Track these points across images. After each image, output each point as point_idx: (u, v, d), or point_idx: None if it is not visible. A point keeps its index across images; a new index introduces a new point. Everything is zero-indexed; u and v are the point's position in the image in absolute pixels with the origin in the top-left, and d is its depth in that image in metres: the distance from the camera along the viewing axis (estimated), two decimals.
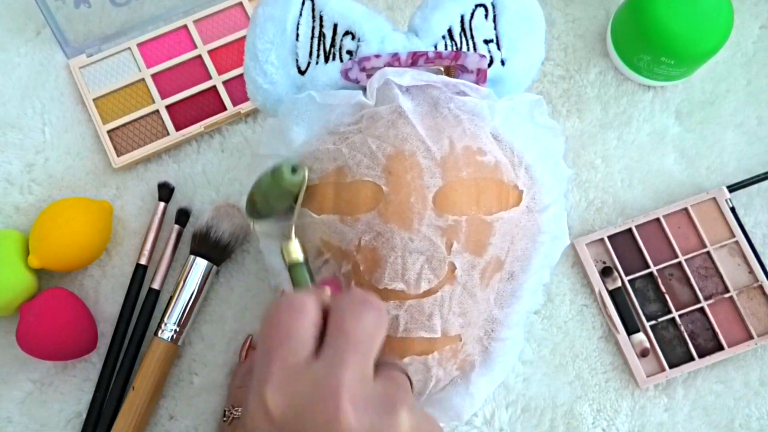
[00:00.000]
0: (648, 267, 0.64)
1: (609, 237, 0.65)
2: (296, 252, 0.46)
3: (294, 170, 0.48)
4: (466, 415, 0.55)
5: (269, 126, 0.53)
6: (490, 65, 0.52)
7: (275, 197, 0.49)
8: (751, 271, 0.64)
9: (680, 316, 0.63)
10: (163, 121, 0.66)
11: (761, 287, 0.63)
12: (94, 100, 0.66)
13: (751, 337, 0.63)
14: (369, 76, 0.50)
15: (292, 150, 0.52)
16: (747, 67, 0.70)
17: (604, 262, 0.64)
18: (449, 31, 0.52)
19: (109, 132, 0.66)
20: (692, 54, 0.63)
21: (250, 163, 0.65)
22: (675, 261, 0.64)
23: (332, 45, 0.52)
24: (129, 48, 0.68)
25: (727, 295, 0.63)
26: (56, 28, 0.65)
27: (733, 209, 0.65)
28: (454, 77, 0.51)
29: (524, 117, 0.52)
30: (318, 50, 0.52)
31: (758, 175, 0.66)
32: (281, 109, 0.52)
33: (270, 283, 0.58)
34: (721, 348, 0.62)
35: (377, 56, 0.50)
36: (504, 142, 0.51)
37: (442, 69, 0.53)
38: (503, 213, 0.50)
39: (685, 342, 0.63)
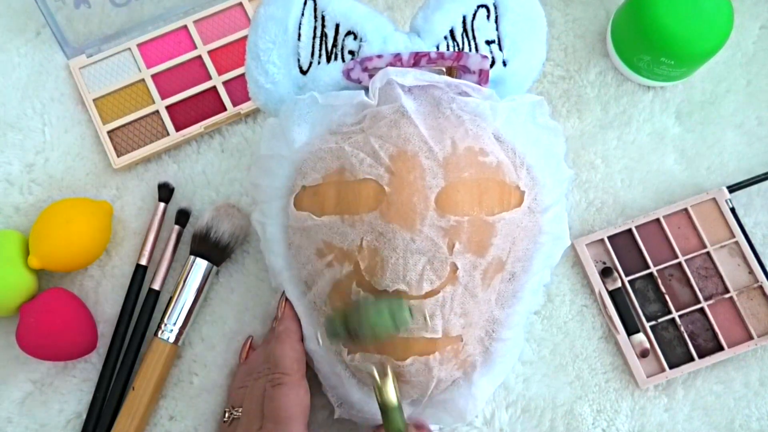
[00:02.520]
0: (648, 267, 0.64)
1: (609, 237, 0.65)
2: (391, 394, 0.47)
3: (411, 313, 0.48)
4: (470, 416, 0.55)
5: (270, 126, 0.53)
6: (492, 66, 0.52)
7: (382, 330, 0.47)
8: (751, 272, 0.64)
9: (680, 316, 0.63)
10: (163, 122, 0.66)
11: (761, 287, 0.64)
12: (94, 100, 0.66)
13: (751, 338, 0.63)
14: (371, 77, 0.50)
15: (294, 150, 0.52)
16: (747, 67, 0.70)
17: (604, 263, 0.64)
18: (451, 31, 0.52)
19: (109, 132, 0.66)
20: (692, 54, 0.63)
21: (250, 163, 0.65)
22: (675, 261, 0.64)
23: (334, 45, 0.52)
24: (129, 48, 0.68)
25: (727, 296, 0.63)
26: (56, 28, 0.65)
27: (733, 209, 0.65)
28: (456, 78, 0.51)
29: (526, 118, 0.52)
30: (320, 50, 0.52)
31: (758, 176, 0.66)
32: (282, 110, 0.52)
33: (270, 283, 0.58)
34: (721, 348, 0.62)
35: (379, 56, 0.50)
36: (506, 142, 0.51)
37: (444, 69, 0.53)
38: (505, 214, 0.50)
39: (685, 342, 0.63)
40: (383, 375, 0.46)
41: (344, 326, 0.48)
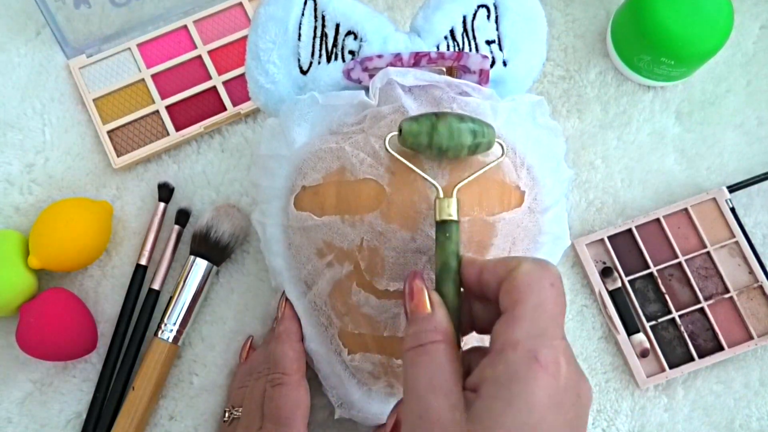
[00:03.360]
0: (648, 267, 0.64)
1: (609, 237, 0.65)
2: (453, 209, 0.43)
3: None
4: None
5: (270, 126, 0.53)
6: (492, 66, 0.52)
7: (462, 147, 0.46)
8: (751, 272, 0.64)
9: (680, 316, 0.63)
10: (163, 122, 0.66)
11: (761, 287, 0.64)
12: (94, 100, 0.66)
13: (751, 338, 0.63)
14: (371, 77, 0.50)
15: (294, 150, 0.52)
16: (747, 67, 0.70)
17: (604, 263, 0.64)
18: (451, 31, 0.52)
19: (109, 132, 0.66)
20: (692, 54, 0.63)
21: (250, 163, 0.65)
22: (675, 261, 0.64)
23: (334, 45, 0.52)
24: (129, 48, 0.68)
25: (727, 296, 0.63)
26: (56, 28, 0.65)
27: (733, 209, 0.65)
28: (456, 78, 0.51)
29: (526, 118, 0.52)
30: (320, 50, 0.52)
31: (758, 176, 0.66)
32: (282, 110, 0.52)
33: (270, 283, 0.58)
34: (721, 348, 0.62)
35: (379, 56, 0.50)
36: (506, 142, 0.51)
37: (444, 69, 0.53)
38: (505, 214, 0.50)
39: (685, 342, 0.63)
40: (448, 196, 0.43)
41: (429, 136, 0.45)
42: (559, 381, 0.35)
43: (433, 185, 0.45)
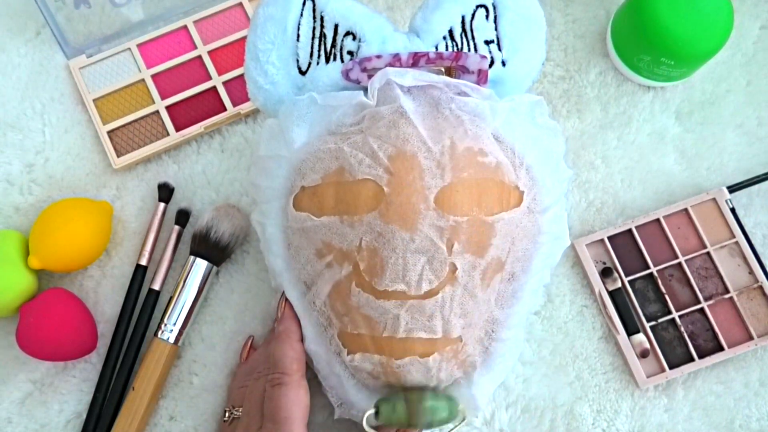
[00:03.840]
0: (648, 267, 0.64)
1: (609, 237, 0.65)
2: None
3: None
4: (470, 416, 0.55)
5: (269, 127, 0.53)
6: (491, 66, 0.52)
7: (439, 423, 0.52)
8: (751, 272, 0.64)
9: (680, 316, 0.63)
10: (163, 122, 0.66)
11: (761, 288, 0.63)
12: (94, 100, 0.66)
13: (751, 338, 0.63)
14: (370, 77, 0.50)
15: (293, 150, 0.52)
16: (747, 68, 0.70)
17: (604, 263, 0.64)
18: (450, 31, 0.52)
19: (109, 132, 0.66)
20: (692, 54, 0.63)
21: (250, 163, 0.65)
22: (675, 261, 0.64)
23: (333, 45, 0.52)
24: (129, 48, 0.68)
25: (727, 296, 0.63)
26: (56, 28, 0.65)
27: (733, 210, 0.65)
28: (455, 78, 0.51)
29: (525, 118, 0.52)
30: (319, 51, 0.52)
31: (758, 176, 0.66)
32: (281, 110, 0.52)
33: (270, 283, 0.58)
34: (721, 349, 0.62)
35: (378, 57, 0.50)
36: (505, 142, 0.51)
37: (443, 70, 0.53)
38: (504, 214, 0.50)
39: (685, 342, 0.63)
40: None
41: (405, 414, 0.51)
42: None
43: None
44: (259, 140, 0.54)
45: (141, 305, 0.62)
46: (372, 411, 0.51)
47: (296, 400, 0.51)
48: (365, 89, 0.51)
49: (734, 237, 0.64)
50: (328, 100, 0.51)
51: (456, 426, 0.52)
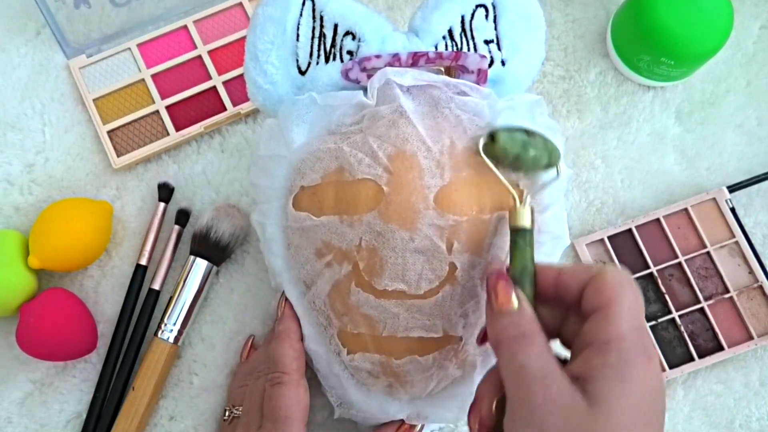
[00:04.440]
0: (648, 267, 0.64)
1: (609, 237, 0.65)
2: (526, 219, 0.46)
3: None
4: (465, 415, 0.55)
5: (268, 127, 0.53)
6: (490, 66, 0.52)
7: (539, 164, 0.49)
8: (751, 272, 0.64)
9: (680, 316, 0.63)
10: (163, 122, 0.66)
11: (761, 287, 0.63)
12: (94, 100, 0.66)
13: (751, 338, 0.63)
14: (369, 77, 0.50)
15: (293, 150, 0.52)
16: (747, 67, 0.70)
17: (604, 263, 0.64)
18: (450, 31, 0.52)
19: (109, 132, 0.66)
20: (692, 54, 0.63)
21: (250, 163, 0.65)
22: (675, 261, 0.64)
23: (333, 45, 0.52)
24: (129, 48, 0.68)
25: (727, 296, 0.63)
26: (56, 28, 0.65)
27: (733, 209, 0.65)
28: (454, 78, 0.51)
29: (524, 117, 0.52)
30: (318, 50, 0.52)
31: (758, 176, 0.66)
32: (281, 110, 0.52)
33: (270, 283, 0.58)
34: (721, 348, 0.62)
35: (378, 56, 0.50)
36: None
37: (442, 69, 0.53)
38: (503, 213, 0.50)
39: (685, 342, 0.63)
40: (522, 202, 0.46)
41: (523, 148, 0.48)
42: (659, 372, 0.39)
43: (512, 193, 0.47)
44: (259, 140, 0.54)
45: (141, 305, 0.62)
46: (484, 140, 0.49)
47: (296, 400, 0.51)
48: (365, 89, 0.51)
49: (734, 237, 0.64)
50: (328, 99, 0.51)
51: (551, 179, 0.50)
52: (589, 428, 0.37)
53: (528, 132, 0.49)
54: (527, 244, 0.45)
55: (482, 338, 0.48)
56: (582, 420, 0.37)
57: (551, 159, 0.49)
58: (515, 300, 0.42)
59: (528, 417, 0.38)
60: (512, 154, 0.48)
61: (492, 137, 0.48)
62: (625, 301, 0.40)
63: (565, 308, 0.43)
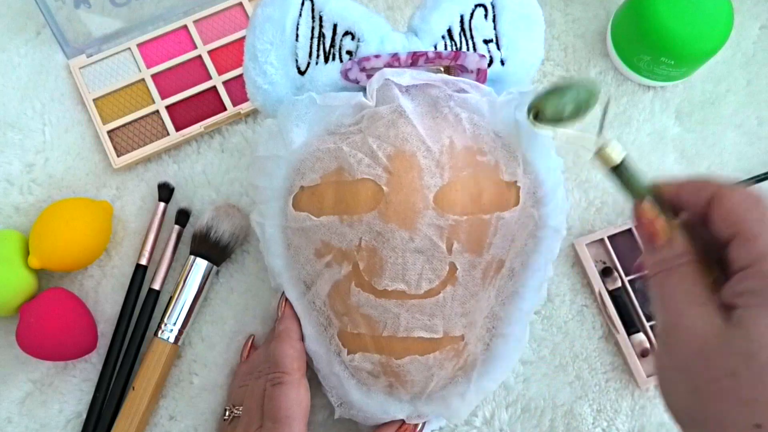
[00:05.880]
0: None
1: (609, 237, 0.65)
2: (618, 152, 0.43)
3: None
4: (465, 414, 0.55)
5: (267, 127, 0.53)
6: (489, 65, 0.52)
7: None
8: None
9: None
10: (163, 122, 0.66)
11: None
12: (94, 100, 0.66)
13: None
14: (369, 76, 0.50)
15: (292, 150, 0.52)
16: (747, 67, 0.70)
17: (604, 263, 0.64)
18: (449, 31, 0.52)
19: (109, 132, 0.66)
20: (692, 54, 0.63)
21: (249, 163, 0.65)
22: None
23: (332, 45, 0.52)
24: (129, 48, 0.68)
25: None
26: (56, 28, 0.65)
27: None
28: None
29: (520, 110, 0.52)
30: (318, 50, 0.52)
31: (758, 176, 0.66)
32: (280, 111, 0.52)
33: (270, 283, 0.58)
34: None
35: (377, 56, 0.50)
36: (504, 139, 0.51)
37: (441, 69, 0.53)
38: (503, 212, 0.50)
39: None
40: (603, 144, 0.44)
41: (577, 105, 0.47)
42: None
43: (592, 140, 0.45)
44: (258, 141, 0.54)
45: (141, 305, 0.62)
46: (526, 114, 0.48)
47: (297, 399, 0.51)
48: (364, 89, 0.51)
49: None
50: (327, 100, 0.51)
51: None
52: (726, 348, 0.37)
53: (559, 88, 0.47)
54: (632, 173, 0.43)
55: (638, 267, 0.47)
56: (719, 341, 0.37)
57: (592, 96, 0.47)
58: (662, 233, 0.41)
59: (671, 344, 0.39)
60: (566, 115, 0.47)
61: (536, 113, 0.47)
62: (754, 221, 0.39)
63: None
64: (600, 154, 0.44)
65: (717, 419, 0.37)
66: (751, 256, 0.38)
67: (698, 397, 0.38)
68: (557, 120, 0.47)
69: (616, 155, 0.43)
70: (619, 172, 0.43)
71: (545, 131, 0.48)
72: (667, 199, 0.42)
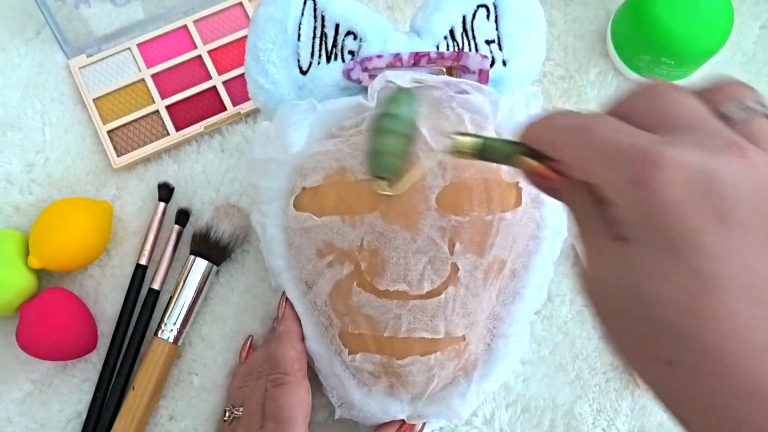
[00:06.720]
0: None
1: None
2: (470, 140, 0.37)
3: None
4: (465, 414, 0.55)
5: (264, 130, 0.53)
6: (491, 66, 0.52)
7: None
8: None
9: None
10: (163, 121, 0.66)
11: None
12: (94, 100, 0.66)
13: None
14: (371, 77, 0.50)
15: (291, 154, 0.51)
16: (747, 67, 0.70)
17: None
18: (451, 31, 0.52)
19: (109, 132, 0.66)
20: (692, 54, 0.63)
21: (246, 165, 0.65)
22: None
23: (334, 45, 0.52)
24: (129, 48, 0.68)
25: None
26: (56, 28, 0.65)
27: None
28: (455, 78, 0.51)
29: (522, 111, 0.52)
30: (320, 50, 0.52)
31: None
32: (277, 115, 0.52)
33: (270, 283, 0.58)
34: None
35: (379, 56, 0.50)
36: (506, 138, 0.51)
37: (443, 70, 0.53)
38: (505, 213, 0.50)
39: None
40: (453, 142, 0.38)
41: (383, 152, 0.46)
42: None
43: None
44: (254, 143, 0.54)
45: (141, 305, 0.62)
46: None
47: (298, 400, 0.51)
48: (366, 89, 0.51)
49: None
50: (328, 106, 0.51)
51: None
52: None
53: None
54: (495, 148, 0.37)
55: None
56: None
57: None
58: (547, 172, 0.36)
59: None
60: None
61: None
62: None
63: None
64: (458, 153, 0.38)
65: None
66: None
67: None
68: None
69: (469, 147, 0.38)
70: (484, 156, 0.38)
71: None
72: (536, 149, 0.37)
